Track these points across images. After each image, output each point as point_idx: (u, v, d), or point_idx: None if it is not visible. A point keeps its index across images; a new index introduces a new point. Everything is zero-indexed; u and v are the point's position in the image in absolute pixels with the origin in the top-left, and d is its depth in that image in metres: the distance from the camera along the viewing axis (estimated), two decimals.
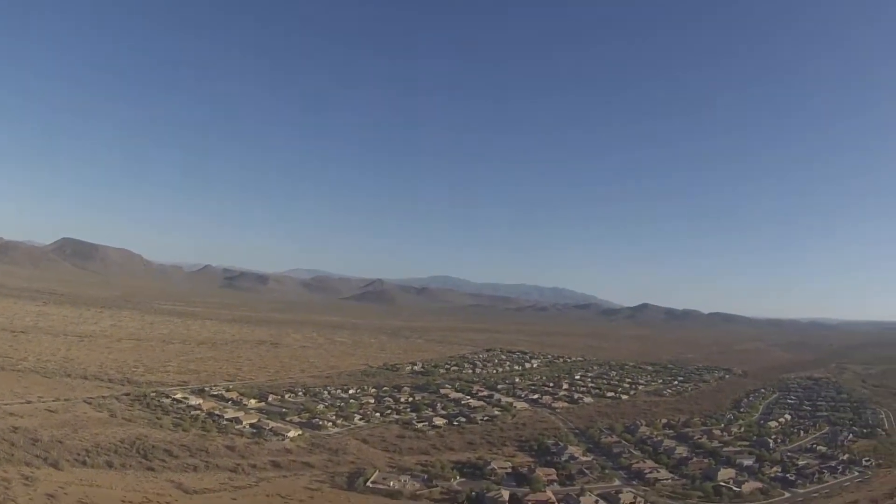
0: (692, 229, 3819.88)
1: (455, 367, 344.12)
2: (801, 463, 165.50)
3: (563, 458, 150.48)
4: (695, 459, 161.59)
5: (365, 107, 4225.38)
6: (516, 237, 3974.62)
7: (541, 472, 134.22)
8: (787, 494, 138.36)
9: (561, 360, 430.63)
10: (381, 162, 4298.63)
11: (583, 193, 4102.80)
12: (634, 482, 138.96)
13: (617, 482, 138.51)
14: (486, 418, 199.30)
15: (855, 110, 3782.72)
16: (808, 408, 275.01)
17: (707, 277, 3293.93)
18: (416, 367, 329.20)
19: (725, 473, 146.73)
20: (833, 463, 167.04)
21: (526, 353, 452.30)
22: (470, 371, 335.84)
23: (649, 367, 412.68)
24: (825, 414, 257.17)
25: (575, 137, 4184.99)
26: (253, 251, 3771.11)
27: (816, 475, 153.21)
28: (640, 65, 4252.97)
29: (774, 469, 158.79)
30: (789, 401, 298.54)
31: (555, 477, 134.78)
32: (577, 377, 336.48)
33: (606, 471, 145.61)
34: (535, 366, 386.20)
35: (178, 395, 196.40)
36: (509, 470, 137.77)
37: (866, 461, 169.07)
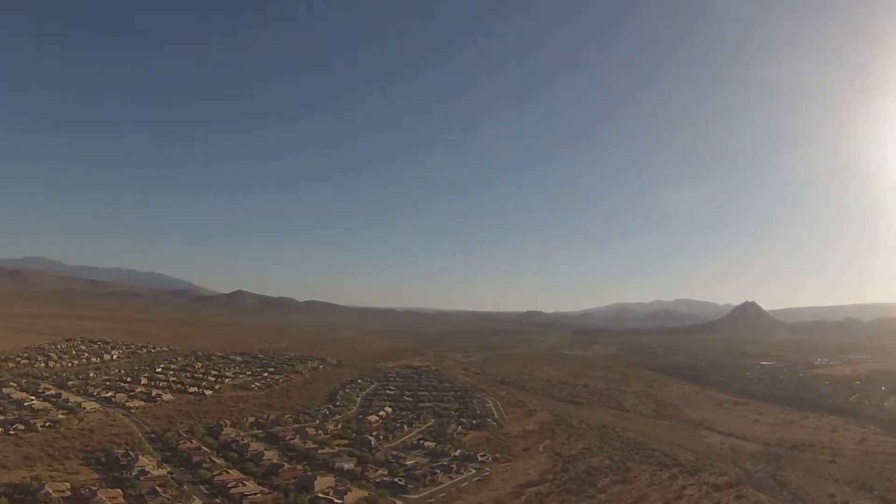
0: (285, 218, 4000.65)
1: (27, 361, 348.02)
2: (409, 463, 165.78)
3: (134, 473, 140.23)
4: (287, 466, 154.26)
5: None
6: (113, 217, 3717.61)
7: (103, 495, 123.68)
8: (398, 503, 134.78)
9: (145, 350, 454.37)
10: None
11: (176, 176, 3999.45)
12: (218, 499, 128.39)
13: (197, 501, 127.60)
14: (48, 424, 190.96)
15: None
16: (410, 399, 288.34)
17: (301, 265, 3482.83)
18: None
19: (324, 482, 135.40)
20: (445, 460, 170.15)
21: (108, 343, 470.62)
22: (43, 364, 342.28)
23: (238, 358, 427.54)
24: (429, 405, 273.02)
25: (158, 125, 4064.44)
26: None
27: (429, 476, 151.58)
28: None
29: (380, 472, 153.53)
30: (389, 391, 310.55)
31: (121, 499, 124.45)
32: (159, 370, 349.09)
33: (185, 486, 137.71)
34: (115, 357, 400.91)
35: None
36: (67, 493, 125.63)
37: (482, 456, 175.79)
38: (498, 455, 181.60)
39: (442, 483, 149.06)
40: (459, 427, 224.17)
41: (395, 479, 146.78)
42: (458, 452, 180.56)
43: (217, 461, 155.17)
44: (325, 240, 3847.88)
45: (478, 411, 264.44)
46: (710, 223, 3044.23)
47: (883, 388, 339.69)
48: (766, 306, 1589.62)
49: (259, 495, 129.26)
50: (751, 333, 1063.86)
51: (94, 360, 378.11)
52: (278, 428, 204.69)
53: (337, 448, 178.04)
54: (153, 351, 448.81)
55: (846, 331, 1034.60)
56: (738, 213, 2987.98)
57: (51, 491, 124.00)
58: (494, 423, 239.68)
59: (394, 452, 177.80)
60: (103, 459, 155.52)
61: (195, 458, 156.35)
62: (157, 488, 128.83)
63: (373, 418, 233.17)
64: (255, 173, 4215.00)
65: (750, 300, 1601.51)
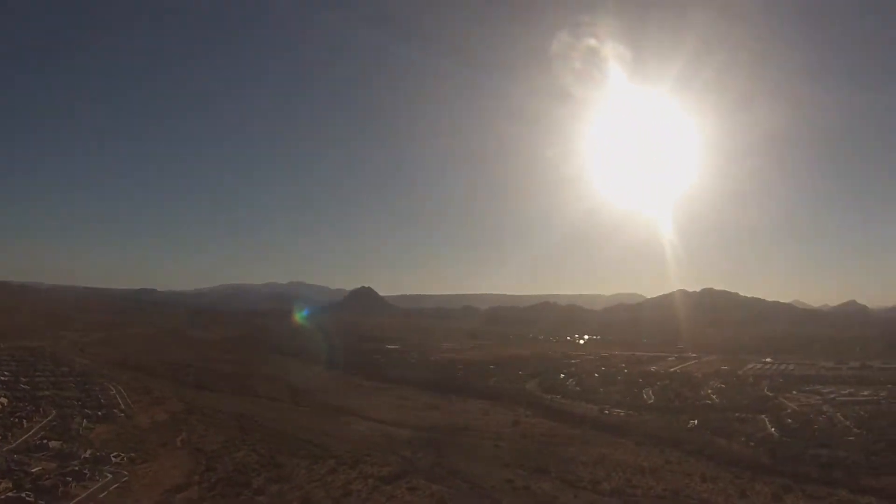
0: None
1: None
2: (34, 470, 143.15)
3: None
4: None
5: None
6: None
7: None
8: None
9: None
10: None
11: None
12: None
13: None
14: None
15: None
16: (27, 387, 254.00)
17: None
18: None
19: None
20: (76, 464, 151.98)
21: None
22: None
23: None
24: (48, 393, 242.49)
25: None
26: None
27: (61, 487, 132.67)
28: None
29: (3, 485, 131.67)
30: (3, 378, 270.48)
31: None
32: None
33: None
34: None
35: None
36: None
37: (116, 456, 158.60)
38: (133, 454, 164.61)
39: (77, 495, 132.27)
40: (85, 420, 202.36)
41: (23, 494, 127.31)
42: (88, 453, 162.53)
43: None
44: None
45: (102, 400, 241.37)
46: (324, 206, 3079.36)
47: (520, 372, 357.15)
48: (382, 292, 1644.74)
49: None
50: (369, 318, 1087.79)
51: None
52: None
53: None
54: None
55: (466, 318, 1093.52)
56: (351, 197, 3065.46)
57: None
58: (122, 415, 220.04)
59: (15, 457, 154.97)
60: None
61: None
62: None
63: None
64: None
65: (366, 285, 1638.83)
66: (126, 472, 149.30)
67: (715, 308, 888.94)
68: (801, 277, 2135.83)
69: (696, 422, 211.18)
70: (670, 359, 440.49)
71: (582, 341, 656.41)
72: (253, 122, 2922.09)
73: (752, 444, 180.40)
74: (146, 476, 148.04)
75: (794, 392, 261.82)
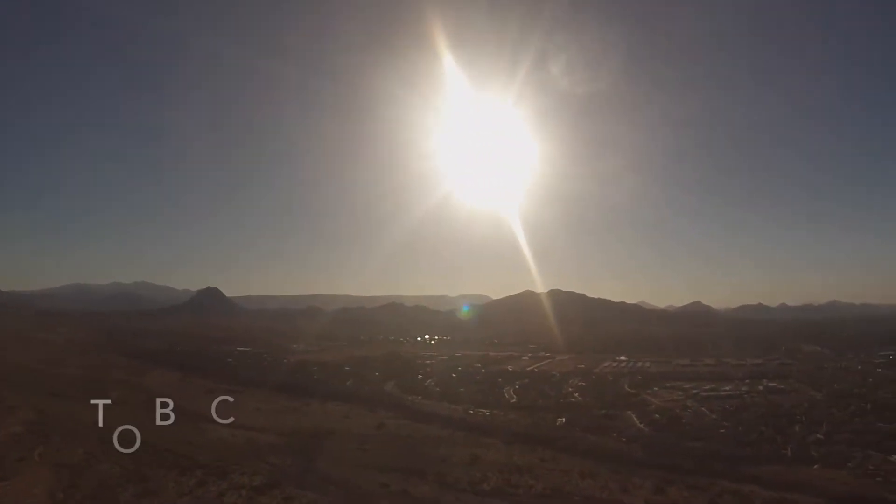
0: None
1: None
2: None
3: None
4: None
5: None
6: None
7: None
8: None
9: None
10: None
11: None
12: None
13: None
14: None
15: None
16: None
17: None
18: None
19: None
20: None
21: None
22: None
23: None
24: None
25: None
26: None
27: None
28: None
29: None
30: None
31: None
32: None
33: None
34: None
35: None
36: None
37: None
38: None
39: None
40: None
41: None
42: None
43: None
44: None
45: None
46: (168, 205, 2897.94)
47: (377, 373, 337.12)
48: (228, 292, 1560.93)
49: None
50: (215, 319, 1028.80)
51: None
52: None
53: None
54: None
55: (311, 319, 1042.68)
56: (195, 196, 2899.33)
57: None
58: None
59: None
60: None
61: None
62: None
63: None
64: None
65: (212, 286, 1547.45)
66: None
67: (562, 309, 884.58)
68: (646, 280, 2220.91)
69: (563, 419, 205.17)
70: (524, 358, 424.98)
71: (432, 342, 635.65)
72: (94, 118, 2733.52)
73: (625, 439, 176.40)
74: (6, 495, 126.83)
75: (656, 389, 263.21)
